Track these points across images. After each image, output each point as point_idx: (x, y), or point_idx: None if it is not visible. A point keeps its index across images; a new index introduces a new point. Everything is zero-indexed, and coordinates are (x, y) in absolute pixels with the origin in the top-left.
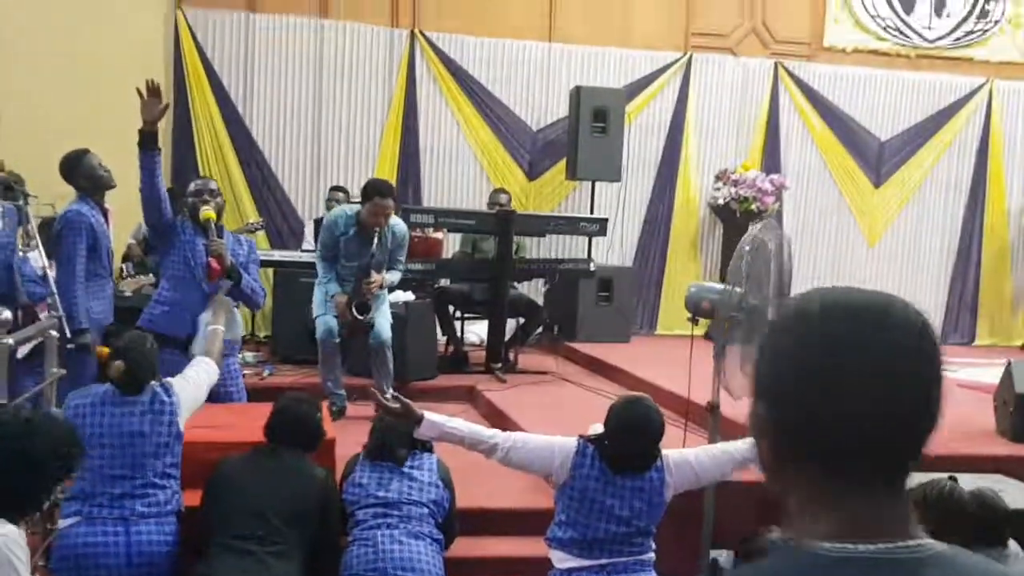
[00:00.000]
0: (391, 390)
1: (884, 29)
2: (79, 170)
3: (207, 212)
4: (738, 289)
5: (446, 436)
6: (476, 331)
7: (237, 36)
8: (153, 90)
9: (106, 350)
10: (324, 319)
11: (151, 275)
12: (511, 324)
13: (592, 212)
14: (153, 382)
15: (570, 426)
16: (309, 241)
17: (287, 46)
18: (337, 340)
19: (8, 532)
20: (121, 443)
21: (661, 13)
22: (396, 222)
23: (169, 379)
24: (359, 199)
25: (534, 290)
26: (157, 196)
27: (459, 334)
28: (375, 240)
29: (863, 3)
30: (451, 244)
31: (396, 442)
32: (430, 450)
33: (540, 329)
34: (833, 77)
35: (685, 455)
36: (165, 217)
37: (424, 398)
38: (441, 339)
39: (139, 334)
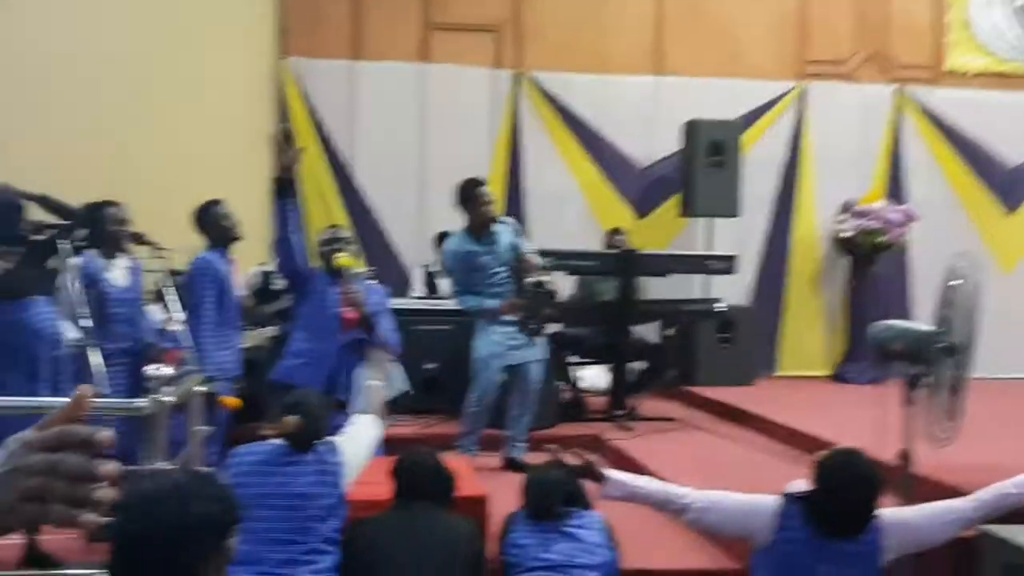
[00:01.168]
0: (523, 444)
1: (1008, 51)
2: (207, 219)
3: (343, 259)
4: (922, 326)
5: (633, 495)
6: (587, 377)
7: (341, 83)
8: (288, 138)
9: (234, 401)
10: (487, 376)
11: (274, 327)
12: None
13: (710, 249)
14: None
15: (720, 478)
16: (418, 288)
17: (390, 92)
18: (494, 397)
19: None
20: (288, 505)
21: (773, 41)
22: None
23: (334, 438)
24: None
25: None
26: (292, 245)
27: (575, 381)
28: (496, 238)
29: (985, 25)
30: (564, 285)
31: (554, 498)
32: (590, 507)
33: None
34: (957, 102)
35: (903, 515)
36: (300, 266)
37: (546, 448)
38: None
39: (310, 389)
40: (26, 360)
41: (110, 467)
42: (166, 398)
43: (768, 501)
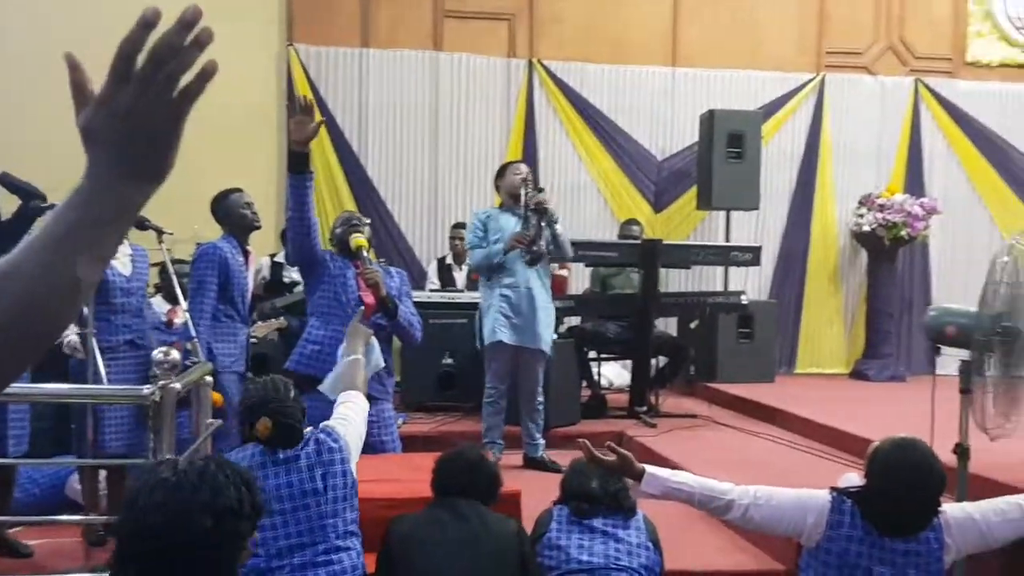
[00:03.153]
0: (540, 442)
1: None
2: (224, 207)
3: (359, 239)
4: (991, 311)
5: (672, 493)
6: (604, 373)
7: (350, 72)
8: (304, 108)
9: (218, 397)
10: (498, 359)
11: (281, 318)
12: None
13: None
14: (311, 429)
15: (753, 475)
16: (433, 281)
17: (401, 81)
18: (506, 385)
19: None
20: (294, 506)
21: (791, 32)
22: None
23: (328, 423)
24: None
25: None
26: (307, 224)
27: (596, 376)
28: (522, 208)
29: (1008, 15)
30: (578, 281)
31: (592, 494)
32: (632, 505)
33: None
34: (978, 94)
35: (967, 511)
36: (315, 248)
37: (568, 446)
38: None
39: (269, 379)
40: None
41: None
42: (174, 385)
43: (818, 496)
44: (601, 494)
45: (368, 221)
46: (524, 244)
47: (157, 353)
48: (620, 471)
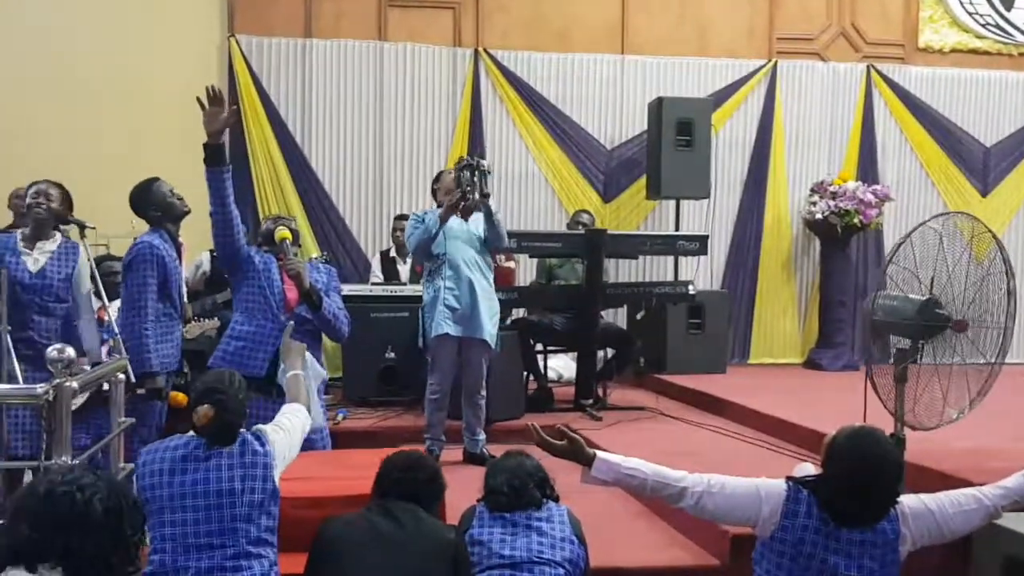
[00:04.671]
0: (480, 437)
1: (983, 27)
2: (149, 199)
3: (282, 232)
4: (915, 296)
5: (624, 480)
6: (553, 366)
7: (293, 63)
8: (215, 98)
9: (183, 397)
10: (442, 356)
11: (215, 319)
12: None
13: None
14: (242, 429)
15: (697, 468)
16: (377, 274)
17: (346, 71)
18: (451, 381)
19: None
20: (207, 504)
21: (742, 18)
22: None
23: (261, 426)
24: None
25: (612, 319)
26: (229, 219)
27: (542, 369)
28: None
29: (959, 0)
30: (525, 273)
31: (525, 486)
32: (556, 498)
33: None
34: (930, 79)
35: (924, 502)
36: (238, 243)
37: (510, 440)
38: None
39: (222, 371)
40: None
41: None
42: (69, 383)
43: (774, 485)
44: (507, 490)
45: (292, 219)
46: (458, 196)
47: (51, 351)
48: (570, 456)
